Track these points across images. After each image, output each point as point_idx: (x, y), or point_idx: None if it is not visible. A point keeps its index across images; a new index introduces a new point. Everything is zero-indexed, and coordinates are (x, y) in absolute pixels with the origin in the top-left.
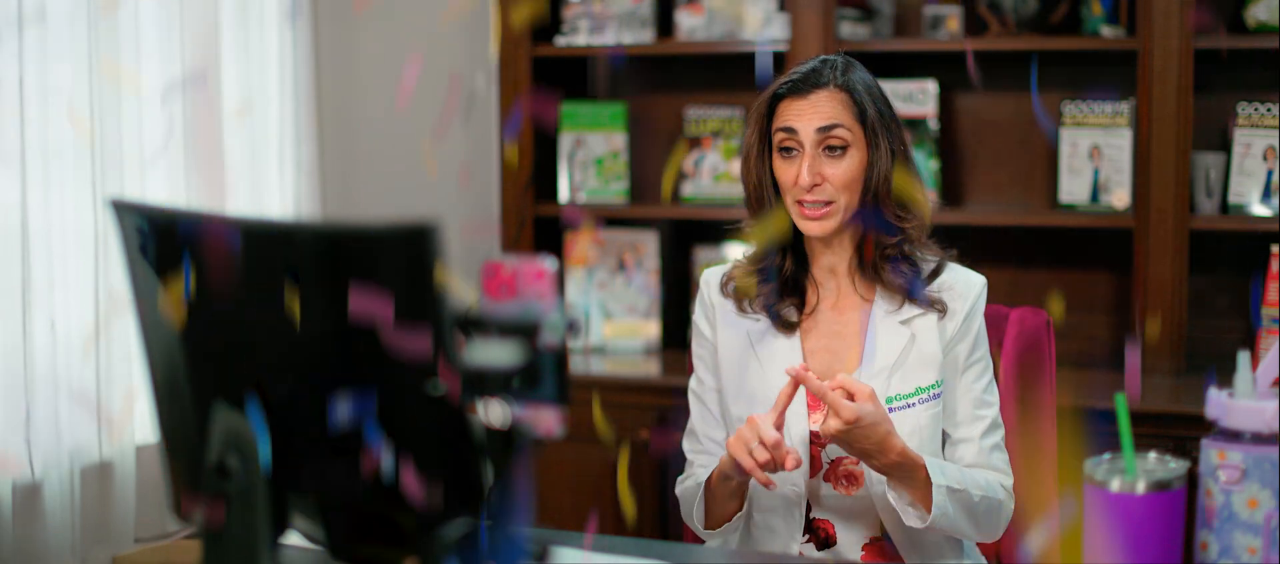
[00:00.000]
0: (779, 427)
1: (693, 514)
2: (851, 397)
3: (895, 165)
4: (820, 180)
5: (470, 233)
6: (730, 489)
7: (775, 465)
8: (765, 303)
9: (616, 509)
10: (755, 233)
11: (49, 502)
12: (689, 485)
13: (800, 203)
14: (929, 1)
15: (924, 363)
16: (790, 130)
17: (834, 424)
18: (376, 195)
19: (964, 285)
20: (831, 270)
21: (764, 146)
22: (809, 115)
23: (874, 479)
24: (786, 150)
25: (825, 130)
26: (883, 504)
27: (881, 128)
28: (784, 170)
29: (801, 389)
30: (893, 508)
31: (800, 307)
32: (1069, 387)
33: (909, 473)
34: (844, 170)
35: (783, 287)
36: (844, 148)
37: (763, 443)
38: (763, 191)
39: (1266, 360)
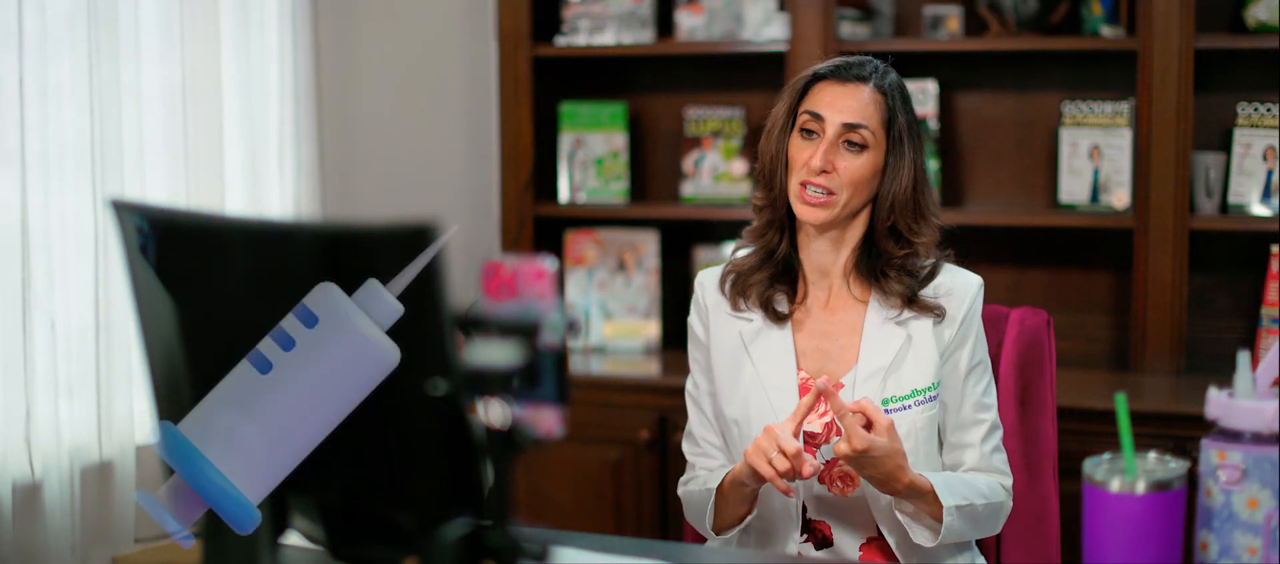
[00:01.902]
0: (797, 435)
1: (704, 520)
2: (869, 423)
3: (914, 179)
4: (831, 169)
5: (470, 233)
6: (743, 494)
7: (794, 474)
8: (758, 290)
9: (617, 509)
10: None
11: (49, 502)
12: (693, 488)
13: (805, 185)
14: (929, 1)
15: (920, 365)
16: (817, 115)
17: (844, 448)
18: (376, 195)
19: (961, 288)
20: (824, 271)
21: (788, 123)
22: (840, 107)
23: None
24: (808, 132)
25: (850, 127)
26: (878, 506)
27: (908, 139)
28: (800, 149)
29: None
30: (888, 511)
31: (791, 298)
32: (1069, 387)
33: (916, 496)
34: (857, 168)
35: (774, 273)
36: (863, 147)
37: (783, 452)
38: (775, 167)
39: (1266, 360)
